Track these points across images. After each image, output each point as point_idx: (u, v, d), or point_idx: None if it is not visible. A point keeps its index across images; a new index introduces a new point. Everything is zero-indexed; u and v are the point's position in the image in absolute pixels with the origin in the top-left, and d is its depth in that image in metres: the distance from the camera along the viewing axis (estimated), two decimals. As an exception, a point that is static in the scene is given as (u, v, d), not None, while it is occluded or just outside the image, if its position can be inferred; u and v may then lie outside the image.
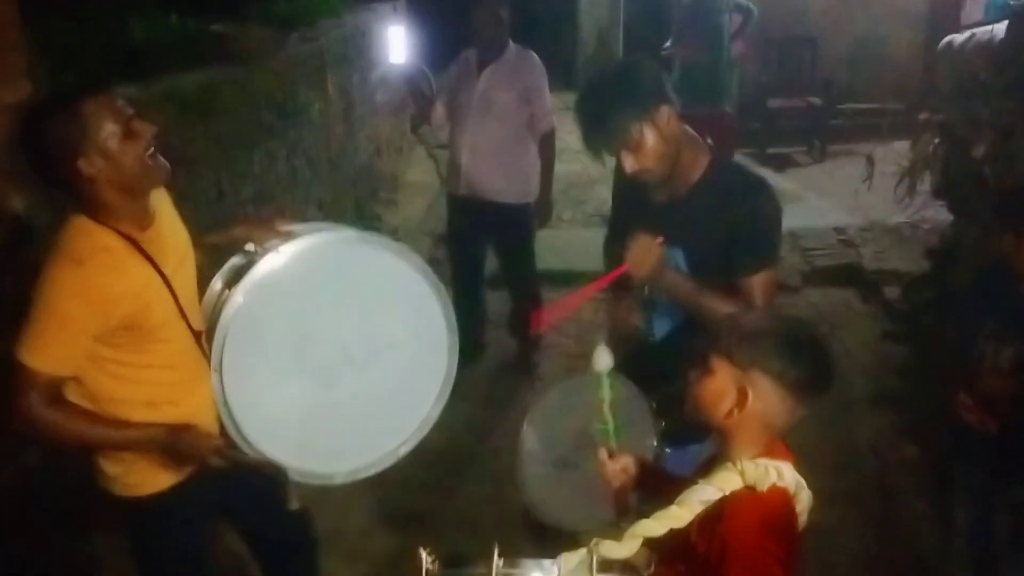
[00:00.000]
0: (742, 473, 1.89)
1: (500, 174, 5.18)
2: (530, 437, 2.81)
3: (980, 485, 2.98)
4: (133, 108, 2.35)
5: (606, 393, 2.47)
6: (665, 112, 2.55)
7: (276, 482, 2.53)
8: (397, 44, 6.26)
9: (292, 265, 2.50)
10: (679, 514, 1.87)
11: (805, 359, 1.93)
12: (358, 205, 7.73)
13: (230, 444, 2.51)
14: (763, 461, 1.91)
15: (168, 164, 2.41)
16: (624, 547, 1.85)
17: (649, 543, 1.88)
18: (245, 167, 5.33)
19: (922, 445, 4.40)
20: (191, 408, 2.50)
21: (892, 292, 6.27)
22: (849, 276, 6.86)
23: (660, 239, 2.56)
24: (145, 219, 2.43)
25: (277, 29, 6.29)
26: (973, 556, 3.08)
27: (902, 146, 5.37)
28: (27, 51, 3.42)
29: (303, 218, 5.89)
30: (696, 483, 1.93)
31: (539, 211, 5.38)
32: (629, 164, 2.58)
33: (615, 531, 1.88)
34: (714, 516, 1.89)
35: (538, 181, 5.30)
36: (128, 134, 2.30)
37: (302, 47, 6.56)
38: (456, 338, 2.75)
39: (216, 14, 5.56)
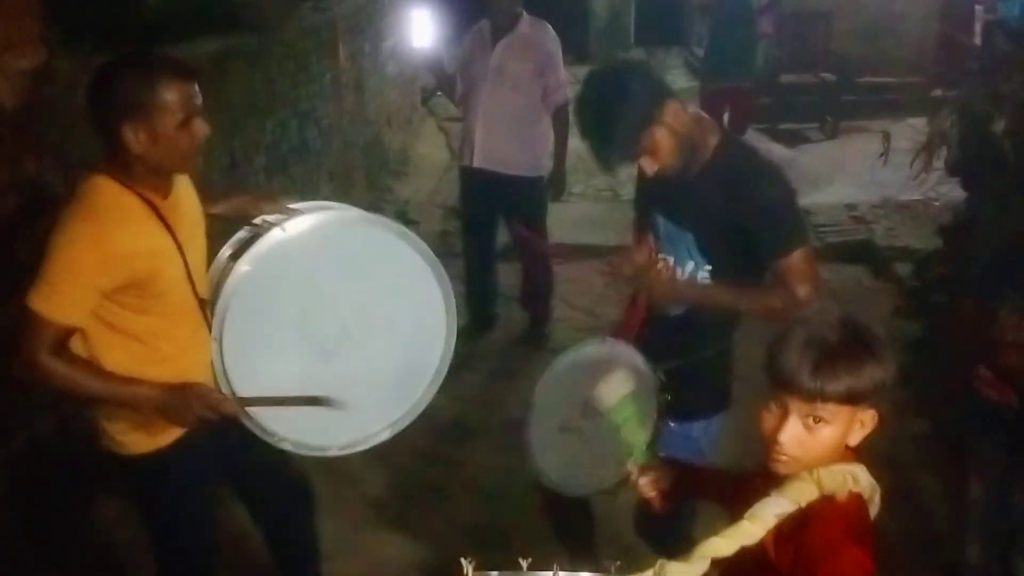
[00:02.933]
0: (819, 483, 1.78)
1: (513, 146, 5.16)
2: (539, 402, 2.83)
3: (996, 460, 2.97)
4: (202, 104, 2.35)
5: (626, 415, 2.43)
6: (672, 107, 2.55)
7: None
8: (420, 27, 6.25)
9: (296, 241, 2.53)
10: (751, 530, 1.77)
11: (898, 377, 1.83)
12: (369, 176, 7.72)
13: (229, 404, 2.51)
14: (838, 468, 1.81)
15: (200, 160, 2.44)
16: (692, 568, 1.75)
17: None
18: (258, 136, 5.33)
19: (934, 421, 4.40)
20: (182, 374, 2.49)
21: (904, 269, 6.25)
22: (861, 253, 6.84)
23: (658, 257, 2.64)
24: (167, 188, 2.45)
25: (289, -2, 6.26)
26: (988, 531, 3.08)
27: (916, 122, 5.34)
28: (42, 17, 3.41)
29: (314, 188, 5.92)
30: (768, 495, 1.81)
31: (552, 184, 5.36)
32: (649, 167, 2.58)
33: (682, 552, 1.81)
34: (793, 529, 1.79)
35: (551, 154, 5.28)
36: (184, 125, 2.31)
37: (314, 17, 6.53)
38: (455, 322, 2.78)
39: (229, -18, 5.52)
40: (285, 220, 2.53)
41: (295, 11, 6.21)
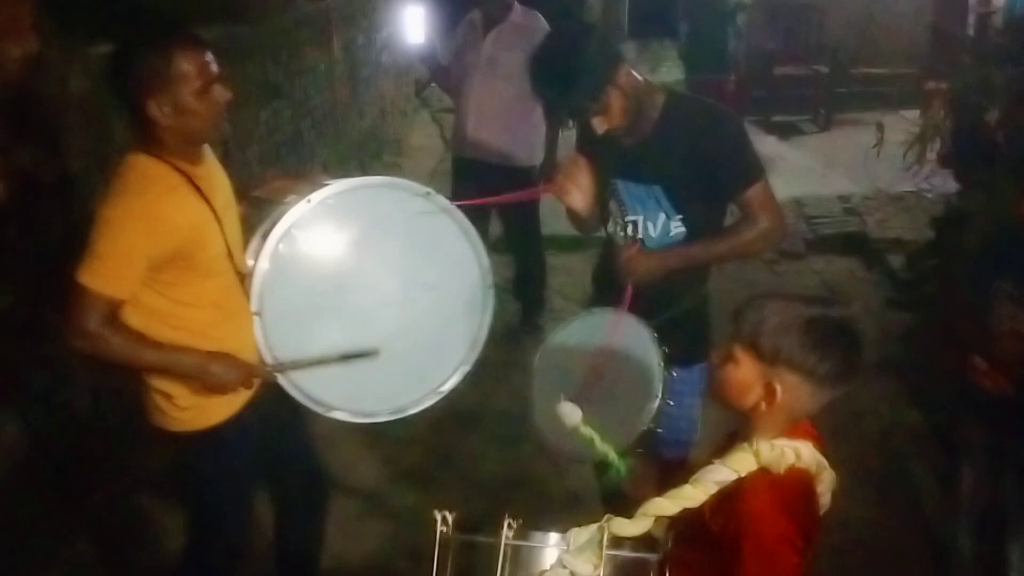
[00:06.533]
0: (757, 454, 1.83)
1: (505, 136, 5.15)
2: (541, 378, 2.85)
3: (988, 448, 2.98)
4: (221, 70, 2.40)
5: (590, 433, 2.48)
6: (623, 71, 2.66)
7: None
8: (413, 18, 6.24)
9: (323, 211, 2.56)
10: (692, 494, 1.83)
11: (834, 352, 1.83)
12: (363, 167, 7.71)
13: (268, 369, 2.57)
14: (780, 442, 1.85)
15: (227, 126, 2.44)
16: (635, 525, 1.82)
17: (667, 520, 1.86)
18: (251, 127, 5.32)
19: (925, 410, 4.41)
20: (232, 349, 2.53)
21: (896, 260, 6.27)
22: (853, 244, 6.87)
23: (636, 246, 2.73)
24: (197, 157, 2.49)
25: (283, -12, 6.24)
26: (978, 518, 3.09)
27: (909, 114, 5.36)
28: (34, 5, 3.40)
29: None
30: (712, 463, 1.88)
31: (544, 175, 5.35)
32: (599, 125, 2.68)
33: (628, 509, 1.85)
34: (730, 497, 1.84)
35: (543, 144, 5.28)
36: (204, 92, 2.35)
37: (308, 7, 6.52)
38: (490, 278, 2.80)
39: (222, -28, 5.50)
40: (311, 192, 2.55)
41: (289, 1, 6.19)
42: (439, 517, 1.91)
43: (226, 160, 4.82)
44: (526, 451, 4.03)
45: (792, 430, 1.89)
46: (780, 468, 1.83)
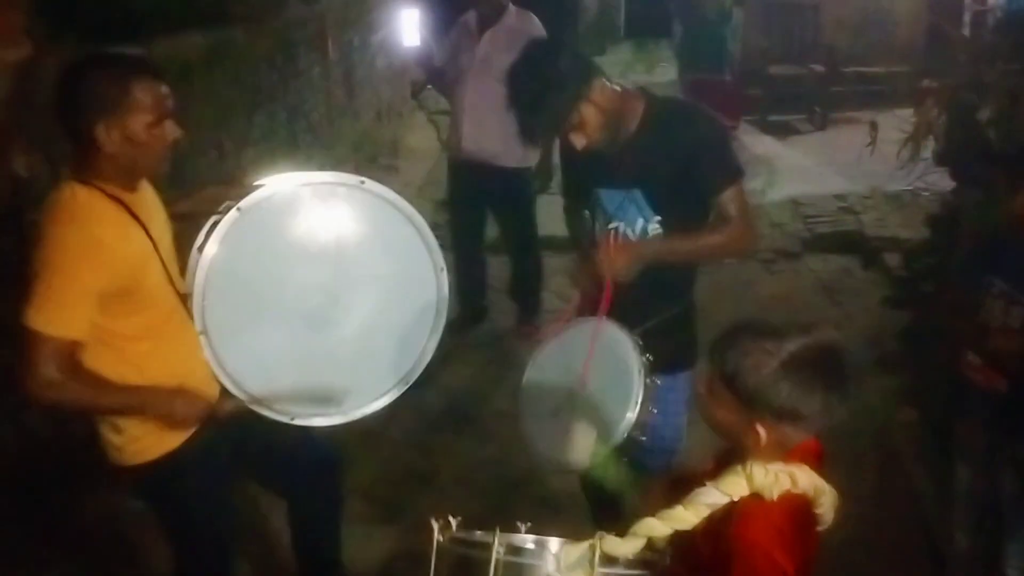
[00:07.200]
0: (750, 479, 1.78)
1: (500, 137, 5.13)
2: (528, 392, 2.85)
3: (984, 445, 2.99)
4: (173, 106, 2.34)
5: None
6: (598, 85, 2.64)
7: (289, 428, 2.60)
8: (408, 20, 6.25)
9: (253, 215, 2.49)
10: (684, 516, 1.80)
11: (817, 389, 1.76)
12: (358, 170, 7.69)
13: (226, 399, 2.52)
14: (775, 467, 1.79)
15: (167, 166, 2.41)
16: (627, 544, 1.79)
17: (668, 536, 1.83)
18: (245, 130, 5.32)
19: (922, 408, 4.41)
20: (181, 373, 2.48)
21: (892, 259, 6.27)
22: (850, 243, 6.88)
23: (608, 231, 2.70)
24: (134, 184, 2.41)
25: (278, -9, 6.25)
26: (975, 516, 3.09)
27: (904, 113, 5.35)
28: (28, 10, 3.41)
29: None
30: (705, 485, 1.84)
31: (539, 176, 5.36)
32: (578, 142, 2.67)
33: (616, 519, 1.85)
34: (721, 520, 1.80)
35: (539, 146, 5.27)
36: (156, 126, 2.29)
37: (303, 9, 6.52)
38: (440, 258, 2.74)
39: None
40: (243, 197, 2.49)
41: (283, 4, 6.20)
42: (436, 525, 1.89)
43: (220, 164, 4.86)
44: (524, 451, 4.04)
45: (790, 452, 1.84)
46: (773, 494, 1.78)
